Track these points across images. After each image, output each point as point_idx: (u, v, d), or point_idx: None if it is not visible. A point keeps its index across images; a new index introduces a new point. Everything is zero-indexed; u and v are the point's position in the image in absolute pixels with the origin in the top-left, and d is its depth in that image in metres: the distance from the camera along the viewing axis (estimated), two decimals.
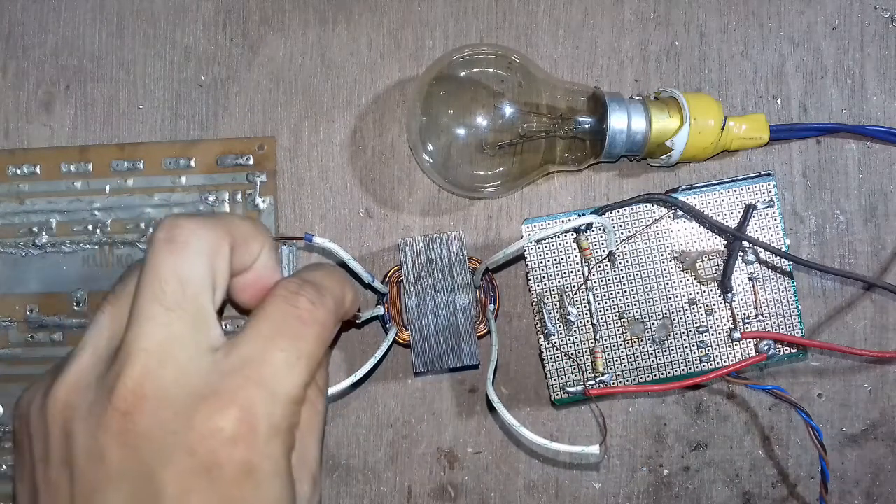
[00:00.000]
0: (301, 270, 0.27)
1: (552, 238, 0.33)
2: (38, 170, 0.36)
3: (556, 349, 0.33)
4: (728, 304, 0.34)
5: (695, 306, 0.34)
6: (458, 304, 0.34)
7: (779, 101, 0.36)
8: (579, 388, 0.33)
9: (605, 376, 0.33)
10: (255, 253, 0.25)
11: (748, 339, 0.33)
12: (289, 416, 0.23)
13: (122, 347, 0.22)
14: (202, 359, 0.22)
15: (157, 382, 0.22)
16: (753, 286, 0.34)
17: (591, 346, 0.33)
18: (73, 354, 0.24)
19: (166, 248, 0.23)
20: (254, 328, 0.24)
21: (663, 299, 0.34)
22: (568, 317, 0.33)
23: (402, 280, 0.34)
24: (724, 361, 0.34)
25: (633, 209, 0.34)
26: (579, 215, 0.33)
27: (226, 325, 0.35)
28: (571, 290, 0.33)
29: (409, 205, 0.36)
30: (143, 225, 0.35)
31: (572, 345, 0.33)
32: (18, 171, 0.36)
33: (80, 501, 0.22)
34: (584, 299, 0.33)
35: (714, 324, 0.34)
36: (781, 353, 0.34)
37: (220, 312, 0.24)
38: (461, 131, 0.33)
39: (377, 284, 0.33)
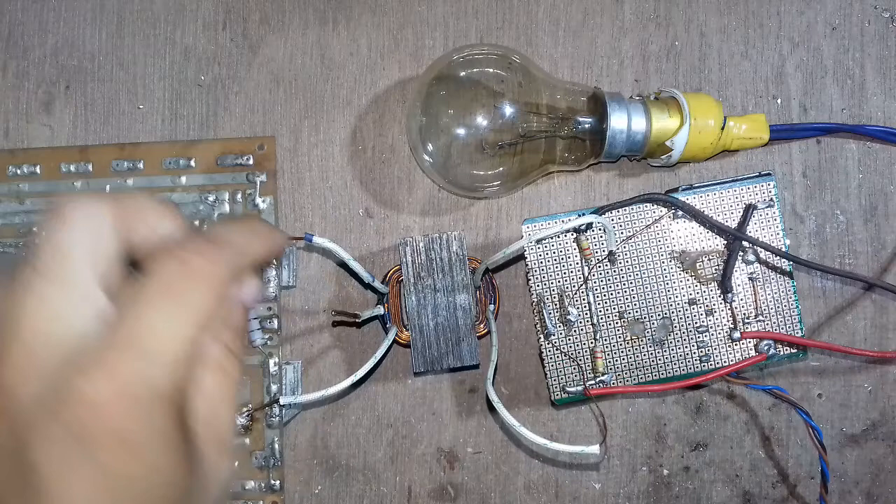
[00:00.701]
0: (211, 227, 0.27)
1: (552, 238, 0.33)
2: (38, 170, 0.36)
3: (556, 349, 0.33)
4: (728, 304, 0.34)
5: (695, 306, 0.34)
6: (458, 304, 0.34)
7: (779, 101, 0.36)
8: (579, 388, 0.33)
9: (605, 376, 0.33)
10: (153, 224, 0.25)
11: (748, 339, 0.33)
12: (171, 377, 0.22)
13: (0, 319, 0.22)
14: (79, 327, 0.22)
15: (31, 352, 0.21)
16: (753, 286, 0.34)
17: (591, 346, 0.33)
18: None
19: (52, 223, 0.23)
20: (136, 287, 0.23)
21: (663, 299, 0.34)
22: (568, 317, 0.33)
23: (402, 280, 0.34)
24: (724, 361, 0.34)
25: (633, 209, 0.34)
26: (579, 215, 0.33)
27: None
28: (571, 290, 0.33)
29: (409, 205, 0.36)
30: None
31: (572, 345, 0.33)
32: (18, 171, 0.36)
33: None
34: (584, 299, 0.33)
35: (714, 324, 0.34)
36: (781, 353, 0.34)
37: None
38: (461, 131, 0.33)
39: (377, 284, 0.33)
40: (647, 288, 0.34)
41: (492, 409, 0.34)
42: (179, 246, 0.24)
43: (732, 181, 0.34)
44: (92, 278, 0.23)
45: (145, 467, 0.22)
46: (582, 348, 0.33)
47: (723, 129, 0.33)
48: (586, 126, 0.33)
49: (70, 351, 0.22)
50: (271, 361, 0.35)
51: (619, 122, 0.32)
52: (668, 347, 0.34)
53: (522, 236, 0.33)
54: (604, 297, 0.34)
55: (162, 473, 0.22)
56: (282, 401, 0.32)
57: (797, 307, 0.34)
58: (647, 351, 0.34)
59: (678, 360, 0.34)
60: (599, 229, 0.33)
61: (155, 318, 0.22)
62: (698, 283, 0.34)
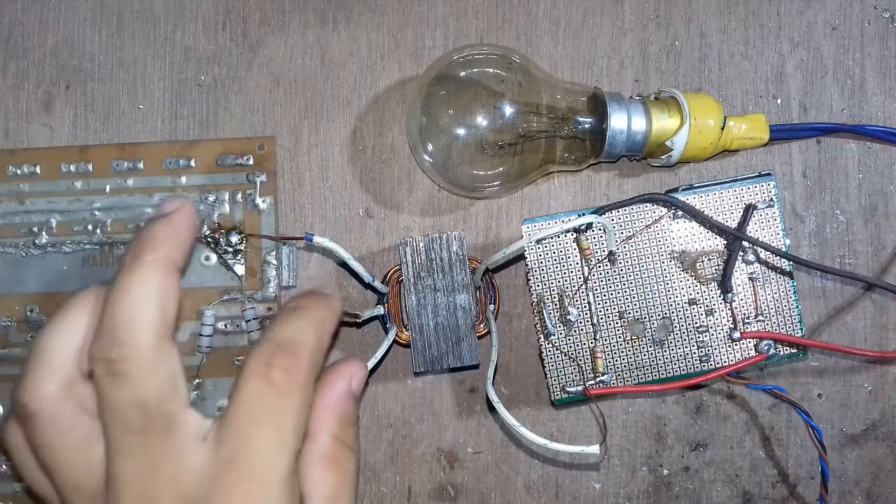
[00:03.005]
0: (272, 325, 0.26)
1: (552, 238, 0.33)
2: (38, 170, 0.36)
3: (556, 349, 0.33)
4: (728, 304, 0.34)
5: (695, 306, 0.34)
6: (458, 304, 0.34)
7: (779, 101, 0.36)
8: (579, 388, 0.33)
9: (605, 376, 0.33)
10: None
11: (748, 339, 0.33)
12: (287, 492, 0.23)
13: (109, 483, 0.23)
14: (190, 459, 0.23)
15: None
16: (753, 286, 0.34)
17: (591, 346, 0.33)
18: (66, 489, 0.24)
19: (113, 380, 0.23)
20: (233, 416, 0.24)
21: (663, 299, 0.34)
22: (568, 317, 0.33)
23: (402, 280, 0.34)
24: (724, 361, 0.34)
25: (633, 209, 0.34)
26: (579, 215, 0.33)
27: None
28: (571, 290, 0.33)
29: (409, 205, 0.36)
30: (142, 225, 0.35)
31: (572, 345, 0.33)
32: (18, 171, 0.36)
33: None
34: (584, 299, 0.33)
35: (714, 324, 0.34)
36: (781, 353, 0.34)
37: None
38: (461, 131, 0.33)
39: (377, 284, 0.33)
40: (647, 288, 0.34)
41: (492, 409, 0.34)
42: (255, 359, 0.24)
43: (732, 181, 0.34)
44: (178, 410, 0.24)
45: None
46: (582, 348, 0.33)
47: (723, 129, 0.33)
48: (586, 126, 0.33)
49: (182, 488, 0.23)
50: None
51: (619, 122, 0.32)
52: (668, 347, 0.34)
53: (522, 236, 0.33)
54: (604, 297, 0.34)
55: None
56: None
57: (797, 307, 0.34)
58: (647, 351, 0.34)
59: (678, 360, 0.34)
60: (599, 229, 0.33)
61: (263, 446, 0.23)
62: (698, 283, 0.34)
